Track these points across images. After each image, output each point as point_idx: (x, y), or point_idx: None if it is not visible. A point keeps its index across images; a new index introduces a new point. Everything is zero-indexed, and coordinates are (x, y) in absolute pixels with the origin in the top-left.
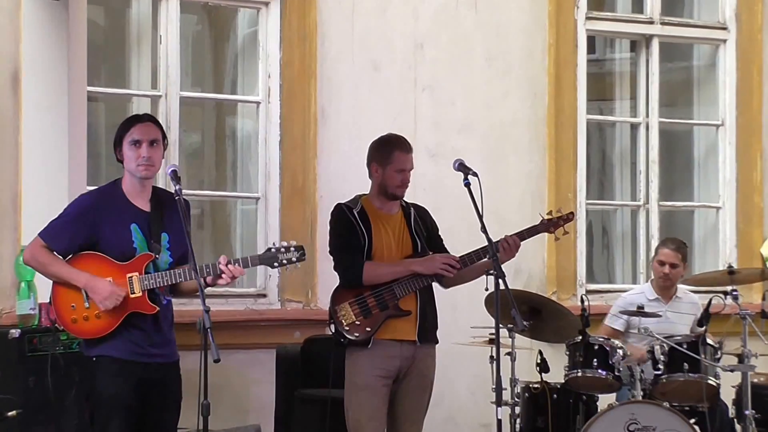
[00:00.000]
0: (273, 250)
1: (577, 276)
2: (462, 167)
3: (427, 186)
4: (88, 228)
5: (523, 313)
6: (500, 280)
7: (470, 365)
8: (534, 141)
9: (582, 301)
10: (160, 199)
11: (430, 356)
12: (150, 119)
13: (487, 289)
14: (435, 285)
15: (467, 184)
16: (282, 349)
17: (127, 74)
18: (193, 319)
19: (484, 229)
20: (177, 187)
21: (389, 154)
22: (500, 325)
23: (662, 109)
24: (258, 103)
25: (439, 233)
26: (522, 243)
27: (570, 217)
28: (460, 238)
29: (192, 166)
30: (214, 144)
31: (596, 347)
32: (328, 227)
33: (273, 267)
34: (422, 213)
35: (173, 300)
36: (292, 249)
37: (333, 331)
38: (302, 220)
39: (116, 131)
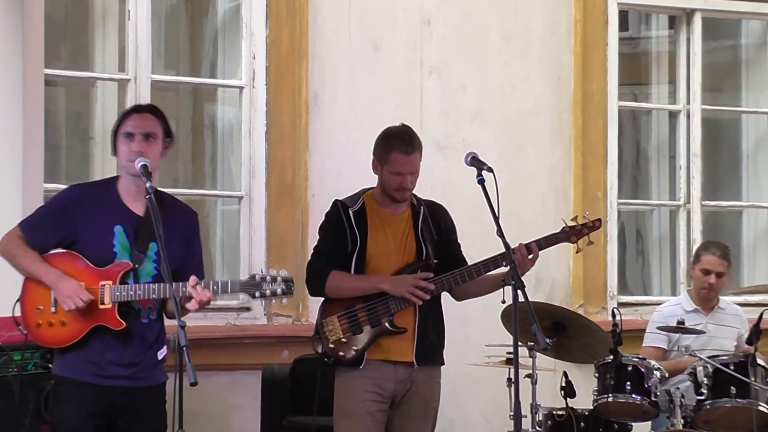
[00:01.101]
0: (257, 278)
1: (607, 286)
2: (475, 162)
3: (435, 183)
4: (68, 224)
5: (546, 328)
6: (519, 292)
7: (485, 389)
8: (558, 131)
9: (613, 315)
10: (163, 207)
11: (433, 380)
12: (151, 110)
13: (504, 302)
14: (446, 296)
15: (481, 181)
16: (268, 371)
17: (91, 55)
18: (167, 336)
19: (500, 233)
20: (148, 185)
21: (387, 153)
22: (519, 343)
23: (705, 94)
24: (241, 88)
25: (456, 237)
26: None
27: (596, 225)
28: (472, 242)
29: (165, 160)
30: (191, 135)
31: (629, 368)
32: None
33: (254, 297)
34: (436, 213)
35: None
36: (279, 279)
37: (318, 348)
38: (292, 222)
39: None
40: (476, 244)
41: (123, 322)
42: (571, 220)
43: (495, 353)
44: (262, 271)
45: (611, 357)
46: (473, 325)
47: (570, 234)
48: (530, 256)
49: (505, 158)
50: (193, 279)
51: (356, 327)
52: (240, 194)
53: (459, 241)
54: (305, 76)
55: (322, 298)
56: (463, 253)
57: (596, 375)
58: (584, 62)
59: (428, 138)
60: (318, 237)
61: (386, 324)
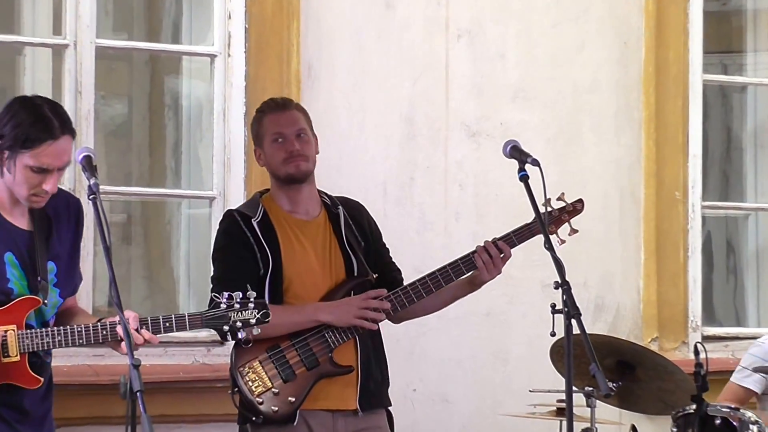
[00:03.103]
0: (223, 305)
1: (688, 315)
2: (516, 153)
3: (465, 180)
4: None
5: (608, 369)
6: (573, 321)
7: None
8: (624, 113)
9: (696, 352)
10: (43, 210)
11: (379, 429)
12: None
13: (553, 334)
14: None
15: (524, 178)
16: (247, 423)
17: (17, 14)
18: (114, 379)
19: (549, 245)
20: (92, 182)
21: (259, 124)
22: (574, 388)
23: None
24: (212, 56)
25: (383, 240)
26: (604, 265)
27: (578, 207)
28: (513, 259)
29: (114, 150)
30: (148, 117)
31: (717, 421)
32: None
33: (222, 333)
34: (356, 212)
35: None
36: (250, 305)
37: (238, 404)
38: None
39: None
40: (517, 258)
41: (40, 378)
42: (543, 204)
43: (542, 401)
44: (224, 296)
45: (694, 407)
46: (514, 364)
47: (549, 222)
48: (501, 256)
49: (554, 148)
50: (133, 318)
51: (287, 372)
52: (211, 194)
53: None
54: (296, 41)
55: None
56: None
57: (674, 429)
58: (658, 23)
59: (455, 122)
60: (214, 263)
61: (327, 364)
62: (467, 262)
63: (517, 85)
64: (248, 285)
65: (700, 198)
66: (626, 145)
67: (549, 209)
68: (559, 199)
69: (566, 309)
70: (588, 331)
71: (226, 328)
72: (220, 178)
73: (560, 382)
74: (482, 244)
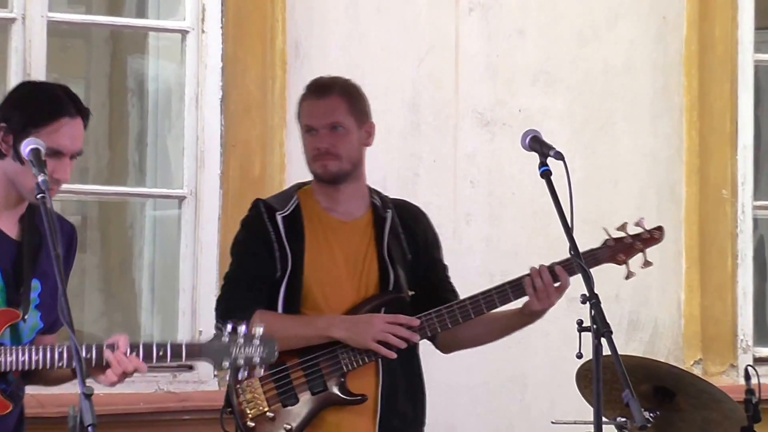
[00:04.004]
0: (226, 338)
1: (737, 332)
2: (537, 144)
3: (477, 175)
4: None
5: (644, 397)
6: (603, 341)
7: None
8: (662, 99)
9: (747, 376)
10: (37, 217)
11: None
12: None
13: (579, 356)
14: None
15: (545, 173)
16: None
17: None
18: (62, 411)
19: (575, 251)
20: (41, 178)
21: (299, 108)
22: (604, 419)
23: None
24: (184, 32)
25: (441, 256)
26: (639, 275)
27: (655, 236)
28: (531, 264)
29: None
30: (108, 103)
31: None
32: None
33: (221, 369)
34: (411, 219)
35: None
36: (256, 342)
37: (228, 429)
38: None
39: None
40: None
41: (10, 402)
42: (618, 228)
43: None
44: (227, 326)
45: None
46: (534, 391)
47: (616, 250)
48: (556, 285)
49: (582, 139)
50: (124, 341)
51: (288, 395)
52: (181, 193)
53: (445, 262)
54: (281, 15)
55: None
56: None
57: None
58: None
59: (466, 108)
60: (231, 258)
61: (335, 389)
62: (516, 287)
63: (537, 66)
64: (261, 288)
65: (751, 197)
66: (665, 135)
67: (621, 235)
68: (637, 224)
69: (595, 326)
70: (620, 352)
71: (226, 363)
72: (192, 174)
73: (587, 412)
74: (536, 267)
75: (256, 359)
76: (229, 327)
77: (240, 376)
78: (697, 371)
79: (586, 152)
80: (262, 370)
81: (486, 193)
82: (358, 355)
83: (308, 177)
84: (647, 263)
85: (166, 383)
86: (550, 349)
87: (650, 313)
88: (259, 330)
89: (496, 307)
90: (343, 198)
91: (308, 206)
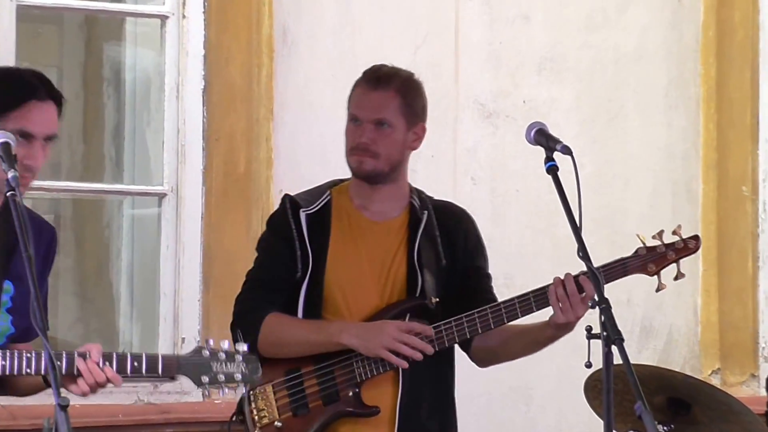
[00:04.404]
0: (207, 352)
1: (758, 340)
2: (543, 138)
3: (479, 171)
4: None
5: (658, 409)
6: (614, 348)
7: None
8: (677, 89)
9: None
10: (10, 218)
11: None
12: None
13: (589, 365)
14: (459, 353)
15: (551, 169)
16: None
17: None
18: (36, 423)
19: (584, 253)
20: (10, 174)
21: (352, 90)
22: None
23: None
24: (163, 18)
25: (484, 264)
26: (652, 278)
27: (690, 246)
28: (537, 267)
29: None
30: (82, 94)
31: None
32: None
33: (200, 385)
34: (451, 222)
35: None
36: (239, 358)
37: None
38: (245, 233)
39: None
40: (544, 270)
41: None
42: (654, 237)
43: None
44: (209, 344)
45: None
46: (539, 403)
47: (646, 260)
48: (582, 295)
49: (591, 132)
50: (96, 350)
51: (300, 403)
52: (161, 190)
53: (488, 270)
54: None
55: None
56: (521, 285)
57: None
58: None
59: (466, 99)
60: (255, 257)
61: (348, 400)
62: (540, 296)
63: (543, 53)
64: (280, 289)
65: None
66: (680, 127)
67: (655, 244)
68: (674, 232)
69: (605, 333)
70: (633, 361)
71: (205, 379)
72: (172, 170)
73: (597, 425)
74: (561, 276)
75: (238, 376)
76: (210, 342)
77: (221, 394)
78: (715, 381)
79: (595, 146)
80: (245, 388)
81: (488, 190)
82: (372, 364)
83: (297, 173)
84: (680, 275)
85: (146, 394)
86: (556, 357)
87: (665, 319)
88: (242, 346)
89: (518, 317)
90: (378, 197)
91: (339, 204)
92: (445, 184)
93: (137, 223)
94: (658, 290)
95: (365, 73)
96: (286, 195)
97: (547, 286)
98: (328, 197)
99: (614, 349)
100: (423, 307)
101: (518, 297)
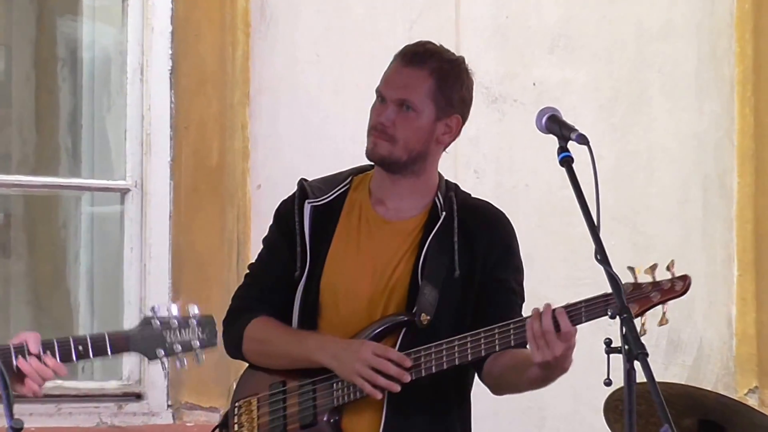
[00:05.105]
0: (157, 322)
1: None
2: (556, 125)
3: (483, 163)
4: None
5: (686, 431)
6: (637, 364)
7: None
8: (708, 69)
9: None
10: None
11: None
12: None
13: (608, 383)
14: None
15: (565, 160)
16: None
17: None
18: None
19: (602, 255)
20: None
21: (389, 66)
22: None
23: None
24: None
25: (512, 276)
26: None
27: (677, 288)
28: (549, 273)
29: None
30: (33, 76)
31: None
32: None
33: (153, 358)
34: (480, 226)
35: None
36: (193, 322)
37: None
38: (219, 235)
39: None
40: (558, 275)
41: None
42: (646, 271)
43: None
44: (156, 311)
45: None
46: (553, 425)
47: (630, 299)
48: (559, 333)
49: (610, 119)
50: (33, 341)
51: (276, 424)
52: (124, 185)
53: (519, 281)
54: None
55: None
56: (536, 297)
57: None
58: None
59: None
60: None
61: (324, 427)
62: (519, 329)
63: (556, 29)
64: (277, 288)
65: None
66: (712, 113)
67: (643, 281)
68: (668, 268)
69: (626, 347)
70: (659, 379)
71: (161, 352)
72: (137, 162)
73: None
74: (539, 308)
75: (195, 343)
76: (158, 308)
77: (179, 366)
78: (752, 401)
79: (615, 135)
80: (203, 358)
81: (493, 185)
82: (351, 387)
83: (277, 166)
84: (663, 321)
85: (110, 416)
86: (572, 374)
87: (694, 331)
88: (193, 309)
89: (496, 351)
90: (397, 192)
91: (356, 195)
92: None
93: (97, 222)
94: (641, 335)
95: (406, 46)
96: (302, 179)
97: (528, 317)
98: (346, 186)
99: (637, 365)
100: (411, 326)
101: (500, 326)
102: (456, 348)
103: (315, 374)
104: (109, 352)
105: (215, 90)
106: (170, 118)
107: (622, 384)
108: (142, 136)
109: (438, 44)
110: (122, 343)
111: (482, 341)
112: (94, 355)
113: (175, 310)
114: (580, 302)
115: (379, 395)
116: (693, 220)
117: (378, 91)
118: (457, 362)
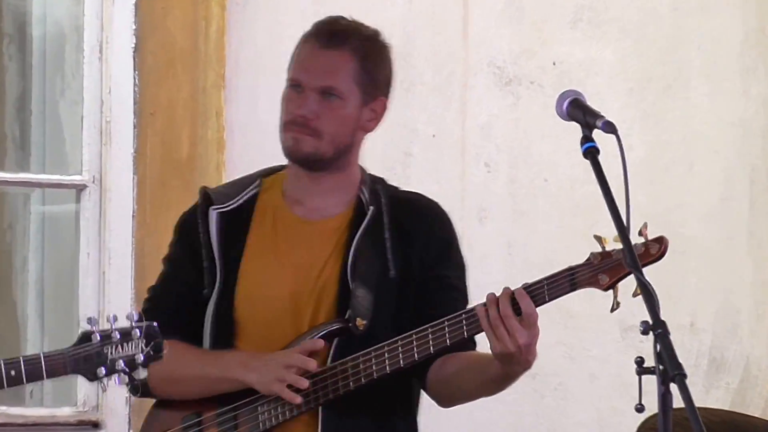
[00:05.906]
0: (97, 336)
1: None
2: (579, 111)
3: (493, 154)
4: None
5: None
6: (674, 386)
7: None
8: (755, 46)
9: None
10: None
11: None
12: None
13: (640, 409)
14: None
15: (590, 151)
16: None
17: None
18: None
19: (632, 259)
20: None
21: (296, 47)
22: None
23: None
24: None
25: (452, 274)
26: (723, 295)
27: (652, 251)
28: None
29: None
30: None
31: None
32: None
33: (93, 380)
34: (412, 220)
35: None
36: (136, 333)
37: None
38: None
39: None
40: None
41: None
42: (615, 238)
43: None
44: (94, 324)
45: None
46: None
47: (598, 269)
48: (520, 318)
49: (641, 104)
50: None
51: None
52: (79, 181)
53: (460, 281)
54: None
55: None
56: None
57: None
58: None
59: (478, 62)
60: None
61: None
62: (471, 317)
63: (580, 0)
64: (183, 309)
65: None
66: (759, 97)
67: (612, 248)
68: (640, 233)
69: (661, 367)
70: (698, 404)
71: (102, 371)
72: (95, 154)
73: None
74: (495, 293)
75: (140, 358)
76: (95, 322)
77: (118, 382)
78: None
79: (648, 122)
80: (146, 372)
81: (507, 179)
82: (279, 408)
83: (255, 158)
84: (637, 293)
85: None
86: (598, 398)
87: (740, 349)
88: (133, 315)
89: (445, 345)
90: (317, 190)
91: (267, 198)
92: (451, 172)
93: (49, 223)
94: (612, 310)
95: (316, 25)
96: (203, 187)
97: (479, 305)
98: (256, 190)
99: (674, 387)
100: (345, 332)
101: (450, 318)
102: (400, 348)
103: (234, 399)
104: (45, 377)
105: (185, 71)
106: (133, 103)
107: (656, 410)
108: (101, 123)
109: (351, 18)
110: (59, 365)
111: (430, 337)
112: (27, 381)
113: (114, 322)
114: (541, 280)
115: (298, 399)
116: (737, 219)
117: (292, 79)
118: (402, 363)
